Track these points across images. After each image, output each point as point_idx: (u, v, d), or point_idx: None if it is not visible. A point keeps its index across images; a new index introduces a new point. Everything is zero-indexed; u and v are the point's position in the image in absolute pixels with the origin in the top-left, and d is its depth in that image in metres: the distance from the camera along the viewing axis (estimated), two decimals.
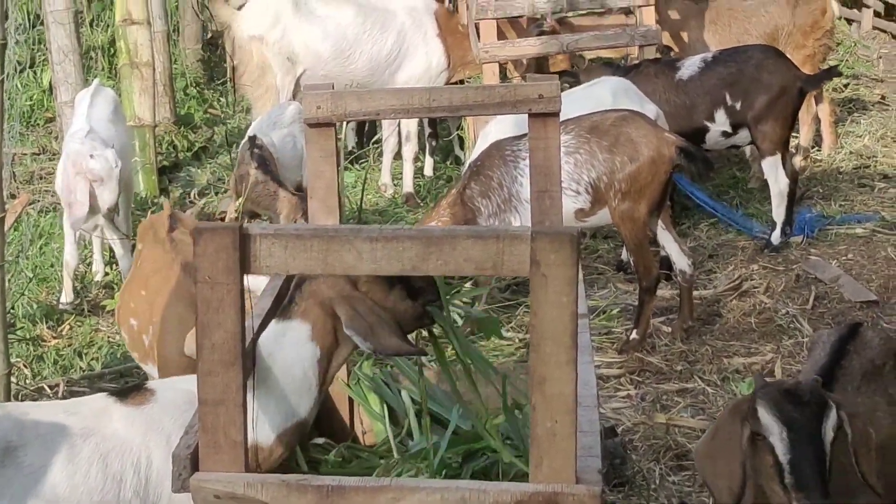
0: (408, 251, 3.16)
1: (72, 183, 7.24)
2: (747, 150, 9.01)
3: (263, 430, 3.71)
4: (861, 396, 4.12)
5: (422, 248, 3.16)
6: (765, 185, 8.44)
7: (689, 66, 8.36)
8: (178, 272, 5.10)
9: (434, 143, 10.39)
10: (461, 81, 10.16)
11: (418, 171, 10.22)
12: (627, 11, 9.56)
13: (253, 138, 8.18)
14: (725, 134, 8.27)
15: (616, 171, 6.69)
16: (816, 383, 3.74)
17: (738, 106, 8.13)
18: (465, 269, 3.16)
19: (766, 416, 3.63)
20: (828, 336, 4.40)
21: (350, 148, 10.54)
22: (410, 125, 9.65)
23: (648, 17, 9.14)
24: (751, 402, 3.68)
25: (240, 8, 9.64)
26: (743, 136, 8.25)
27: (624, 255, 8.01)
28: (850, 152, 10.13)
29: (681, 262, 7.02)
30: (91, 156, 7.22)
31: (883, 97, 11.89)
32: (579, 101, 7.49)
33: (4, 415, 3.69)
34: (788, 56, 9.26)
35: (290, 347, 3.73)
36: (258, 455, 3.70)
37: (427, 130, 10.27)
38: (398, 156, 9.89)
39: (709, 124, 8.24)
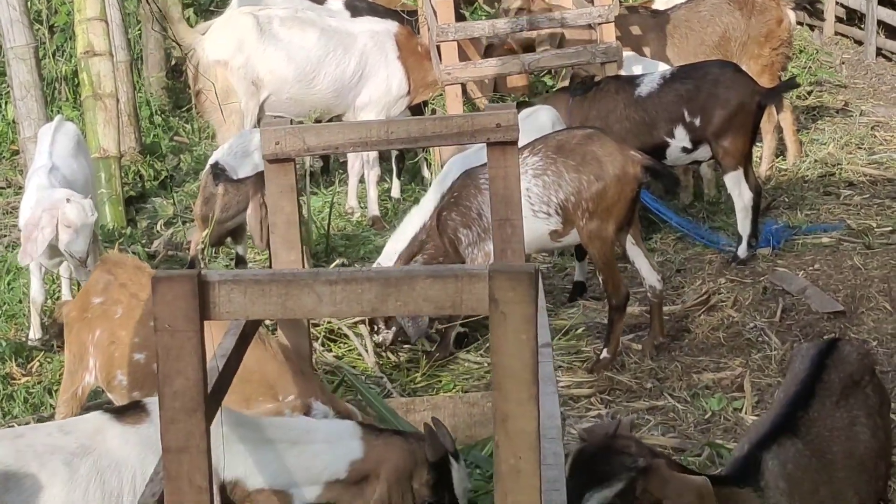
0: (366, 293, 3.18)
1: (40, 222, 7.14)
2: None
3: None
4: (840, 410, 4.19)
5: (380, 290, 3.18)
6: (730, 198, 8.45)
7: (649, 83, 8.33)
8: None
9: (401, 165, 10.39)
10: (425, 104, 10.18)
11: (385, 193, 10.23)
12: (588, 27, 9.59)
13: (215, 164, 8.20)
14: (685, 150, 8.24)
15: (583, 191, 6.69)
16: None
17: (696, 122, 8.12)
18: (424, 309, 3.18)
19: None
20: (806, 350, 4.45)
21: (316, 166, 10.53)
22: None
23: (609, 33, 9.13)
24: None
25: (203, 33, 9.61)
26: (703, 151, 8.23)
27: (577, 276, 8.03)
28: (815, 160, 10.15)
29: (650, 277, 7.03)
30: (68, 200, 7.10)
31: (846, 103, 11.93)
32: (525, 131, 7.52)
33: None
34: (746, 66, 9.31)
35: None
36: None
37: (394, 152, 10.26)
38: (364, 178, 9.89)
39: (669, 140, 8.22)
